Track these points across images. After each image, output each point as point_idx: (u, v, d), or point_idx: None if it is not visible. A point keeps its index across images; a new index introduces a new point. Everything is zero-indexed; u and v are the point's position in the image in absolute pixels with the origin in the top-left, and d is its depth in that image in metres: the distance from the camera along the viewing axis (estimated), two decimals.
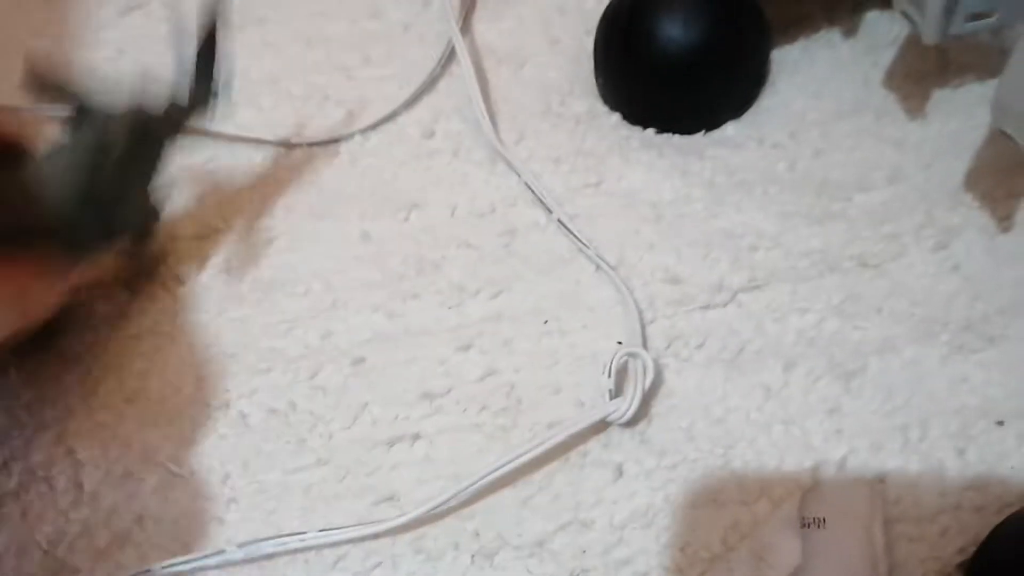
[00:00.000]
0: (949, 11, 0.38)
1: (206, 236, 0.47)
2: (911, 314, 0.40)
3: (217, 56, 0.42)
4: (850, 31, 0.50)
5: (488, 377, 0.41)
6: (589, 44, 0.50)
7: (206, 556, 0.38)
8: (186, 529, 0.39)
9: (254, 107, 0.53)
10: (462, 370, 0.42)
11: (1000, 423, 0.37)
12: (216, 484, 0.40)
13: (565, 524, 0.37)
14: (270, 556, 0.38)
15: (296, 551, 0.38)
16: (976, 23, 0.40)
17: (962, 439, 0.37)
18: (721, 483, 0.37)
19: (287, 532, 0.38)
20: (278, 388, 0.42)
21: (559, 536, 0.37)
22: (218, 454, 0.41)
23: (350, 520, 0.38)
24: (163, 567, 0.38)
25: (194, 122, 0.43)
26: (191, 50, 0.42)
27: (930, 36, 0.39)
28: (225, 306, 0.45)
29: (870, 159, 0.45)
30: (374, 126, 0.51)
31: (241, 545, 0.38)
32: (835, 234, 0.43)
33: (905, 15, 0.39)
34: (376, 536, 0.38)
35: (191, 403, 0.42)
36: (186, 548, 0.39)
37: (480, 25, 0.55)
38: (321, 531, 0.38)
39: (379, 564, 0.37)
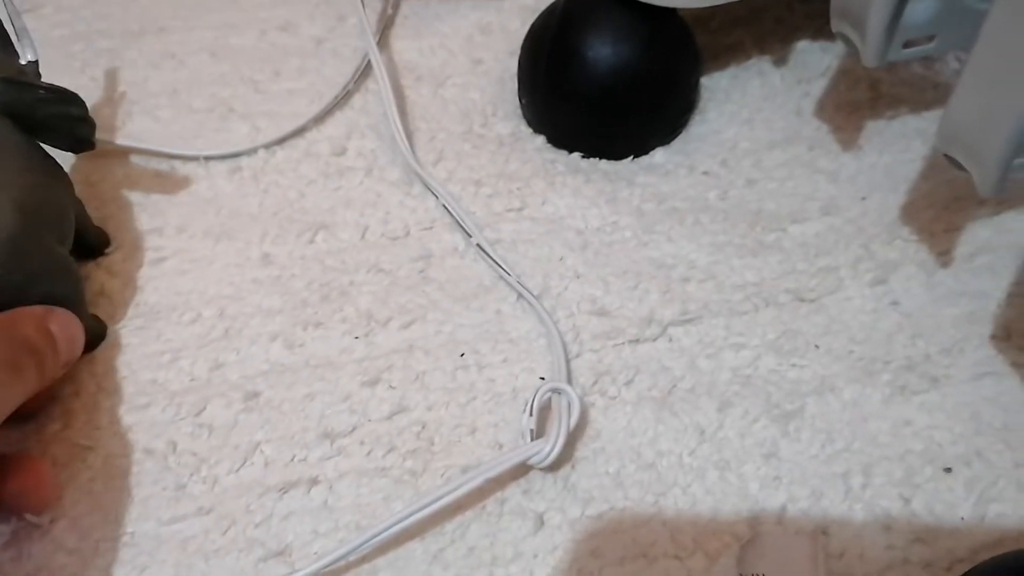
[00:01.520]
0: (889, 34, 0.36)
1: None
2: (850, 351, 0.38)
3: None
4: (781, 60, 0.49)
5: (397, 415, 0.37)
6: (512, 65, 0.48)
7: None
8: None
9: (150, 118, 0.48)
10: (368, 407, 0.37)
11: (948, 470, 0.34)
12: (78, 536, 0.35)
13: None
14: None
15: None
16: (914, 49, 0.38)
17: (908, 487, 0.34)
18: (652, 534, 0.34)
19: None
20: (156, 426, 0.37)
21: None
22: (84, 500, 0.36)
23: None
24: None
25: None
26: None
27: (870, 59, 0.37)
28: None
29: (804, 190, 0.43)
30: (280, 141, 0.47)
31: None
32: (770, 266, 0.41)
33: (843, 38, 0.38)
34: None
35: (54, 441, 0.37)
36: None
37: (399, 43, 0.52)
38: None
39: None
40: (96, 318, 0.40)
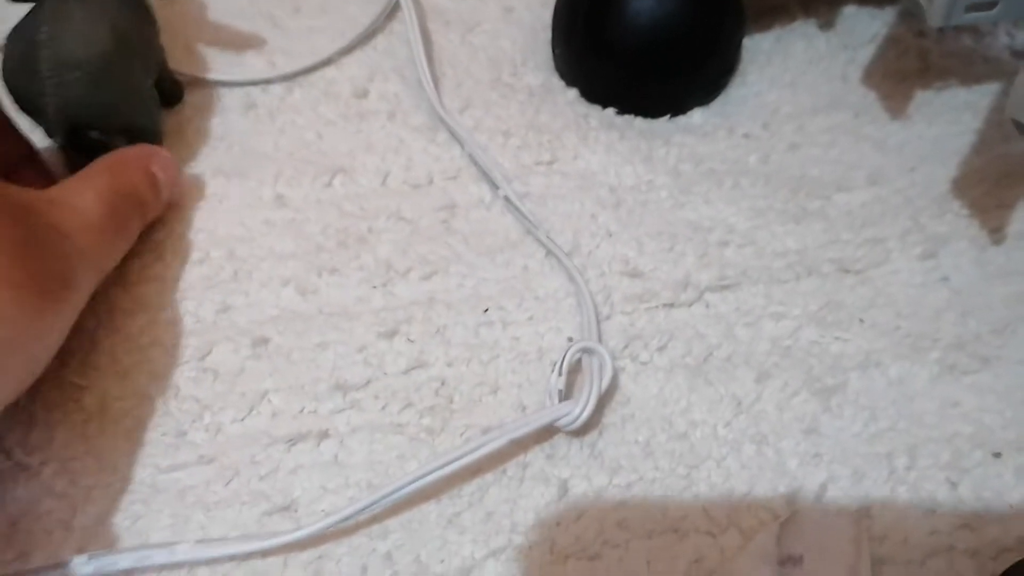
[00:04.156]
0: None
1: None
2: (896, 327, 0.36)
3: None
4: (827, 24, 0.46)
5: (415, 370, 0.35)
6: (545, 15, 0.45)
7: (45, 569, 0.30)
8: (27, 533, 0.32)
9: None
10: (385, 360, 0.35)
11: (997, 455, 0.32)
12: (70, 480, 0.33)
13: (497, 550, 0.31)
14: (129, 573, 0.30)
15: (162, 568, 0.31)
16: (976, 14, 0.36)
17: (955, 471, 0.32)
18: (683, 509, 0.32)
19: (153, 543, 0.31)
20: (158, 368, 0.35)
21: (489, 564, 0.31)
22: (77, 443, 0.33)
23: (235, 532, 0.31)
24: None
25: None
26: None
27: (936, 18, 0.35)
28: (104, 269, 0.37)
29: (849, 158, 0.41)
30: (296, 75, 0.44)
31: (92, 556, 0.30)
32: (813, 234, 0.38)
33: None
34: (265, 554, 0.31)
35: (47, 379, 0.34)
36: (23, 557, 0.31)
37: None
38: (196, 543, 0.31)
39: None
40: None
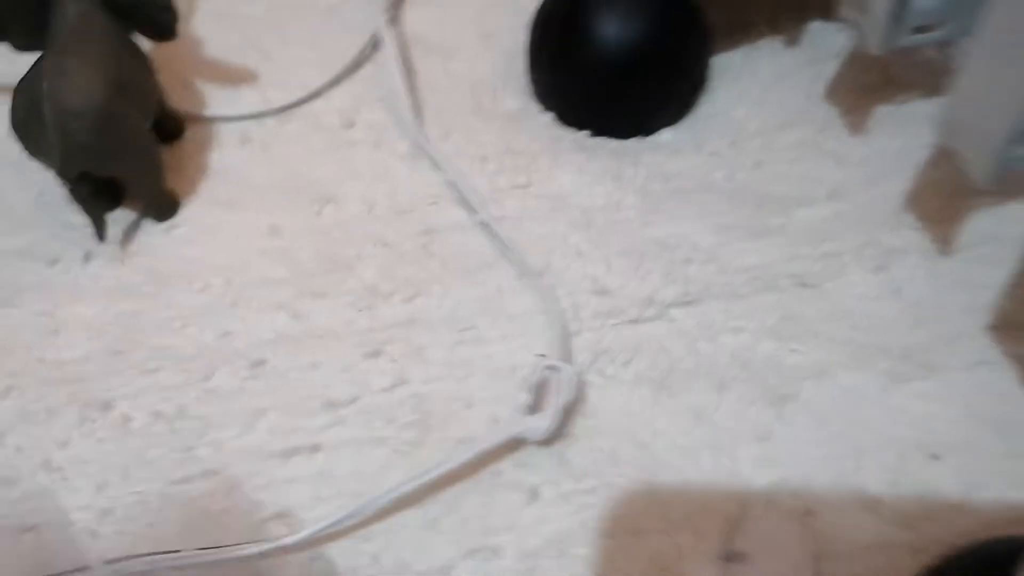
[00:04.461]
0: (896, 20, 0.36)
1: None
2: (850, 339, 0.38)
3: None
4: (793, 41, 0.48)
5: (397, 387, 0.38)
6: (523, 39, 0.48)
7: (69, 573, 0.33)
8: (50, 541, 0.35)
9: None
10: (369, 378, 0.38)
11: (936, 457, 0.35)
12: (91, 492, 0.36)
13: (473, 550, 0.34)
14: (142, 574, 0.34)
15: (172, 570, 0.34)
16: (922, 36, 0.38)
17: (897, 473, 0.35)
18: (643, 511, 0.35)
19: (164, 549, 0.34)
20: (166, 390, 0.38)
21: (465, 563, 0.34)
22: (95, 459, 0.37)
23: (237, 538, 0.35)
24: None
25: None
26: None
27: (876, 45, 0.37)
28: (114, 298, 0.41)
29: (812, 173, 0.43)
30: (287, 108, 0.47)
31: (109, 562, 0.33)
32: (773, 250, 0.41)
33: (850, 23, 0.37)
34: (263, 556, 0.34)
35: (70, 401, 0.38)
36: (47, 564, 0.34)
37: (411, 13, 0.52)
38: (201, 549, 0.34)
39: None
40: (171, 192, 0.43)
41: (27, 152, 0.39)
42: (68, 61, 0.38)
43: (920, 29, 0.38)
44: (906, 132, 0.44)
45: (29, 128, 0.38)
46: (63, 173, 0.38)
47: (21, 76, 0.39)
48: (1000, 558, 0.29)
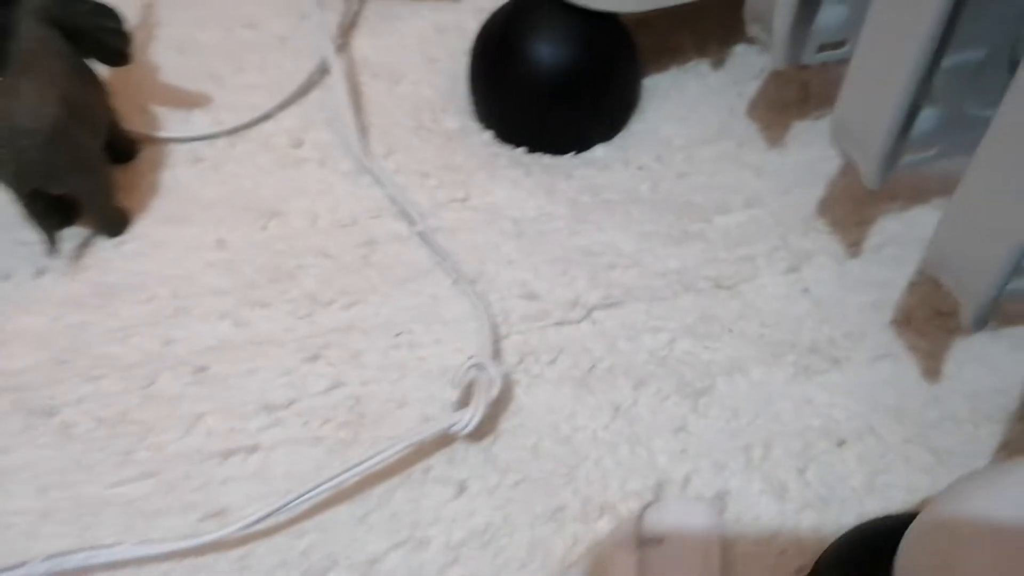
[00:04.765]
0: (797, 37, 0.39)
1: None
2: (761, 335, 0.40)
3: None
4: (719, 62, 0.51)
5: (333, 390, 0.40)
6: (466, 64, 0.50)
7: (7, 570, 0.35)
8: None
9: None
10: (307, 382, 0.40)
11: (841, 444, 0.37)
12: (29, 496, 0.37)
13: (400, 543, 0.36)
14: (81, 570, 0.35)
15: (110, 566, 0.35)
16: (827, 53, 0.40)
17: (804, 459, 0.36)
18: (564, 502, 0.36)
19: (98, 544, 0.35)
20: (109, 396, 0.40)
21: (393, 555, 0.35)
22: (36, 464, 0.38)
23: (173, 537, 0.36)
24: None
25: None
26: None
27: (777, 60, 0.39)
28: (63, 311, 0.43)
29: (730, 183, 0.46)
30: (237, 130, 0.49)
31: (47, 558, 0.35)
32: (693, 254, 0.43)
33: (756, 39, 0.40)
34: (199, 552, 0.36)
35: (13, 409, 0.39)
36: None
37: (360, 40, 0.54)
38: (137, 543, 0.35)
39: None
40: (121, 210, 0.45)
41: None
42: (22, 82, 0.40)
43: (827, 46, 0.40)
44: (820, 144, 0.47)
45: None
46: (16, 189, 0.40)
47: None
48: (897, 532, 0.31)
